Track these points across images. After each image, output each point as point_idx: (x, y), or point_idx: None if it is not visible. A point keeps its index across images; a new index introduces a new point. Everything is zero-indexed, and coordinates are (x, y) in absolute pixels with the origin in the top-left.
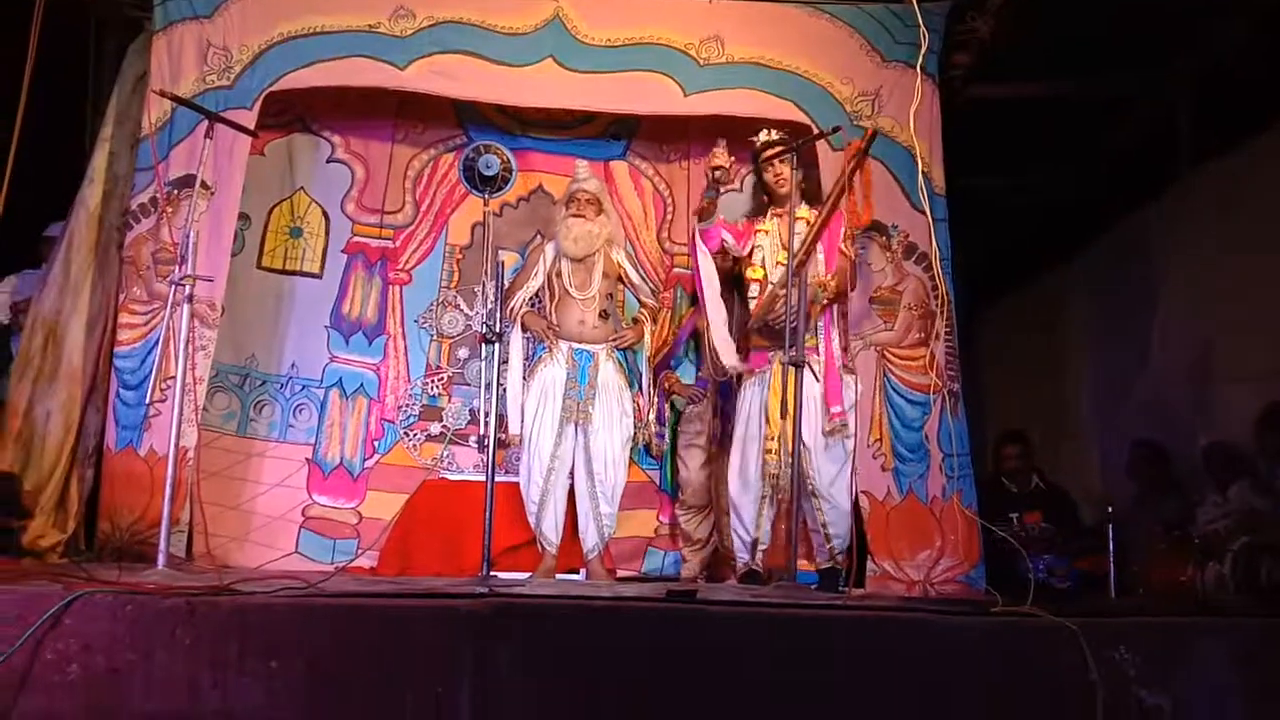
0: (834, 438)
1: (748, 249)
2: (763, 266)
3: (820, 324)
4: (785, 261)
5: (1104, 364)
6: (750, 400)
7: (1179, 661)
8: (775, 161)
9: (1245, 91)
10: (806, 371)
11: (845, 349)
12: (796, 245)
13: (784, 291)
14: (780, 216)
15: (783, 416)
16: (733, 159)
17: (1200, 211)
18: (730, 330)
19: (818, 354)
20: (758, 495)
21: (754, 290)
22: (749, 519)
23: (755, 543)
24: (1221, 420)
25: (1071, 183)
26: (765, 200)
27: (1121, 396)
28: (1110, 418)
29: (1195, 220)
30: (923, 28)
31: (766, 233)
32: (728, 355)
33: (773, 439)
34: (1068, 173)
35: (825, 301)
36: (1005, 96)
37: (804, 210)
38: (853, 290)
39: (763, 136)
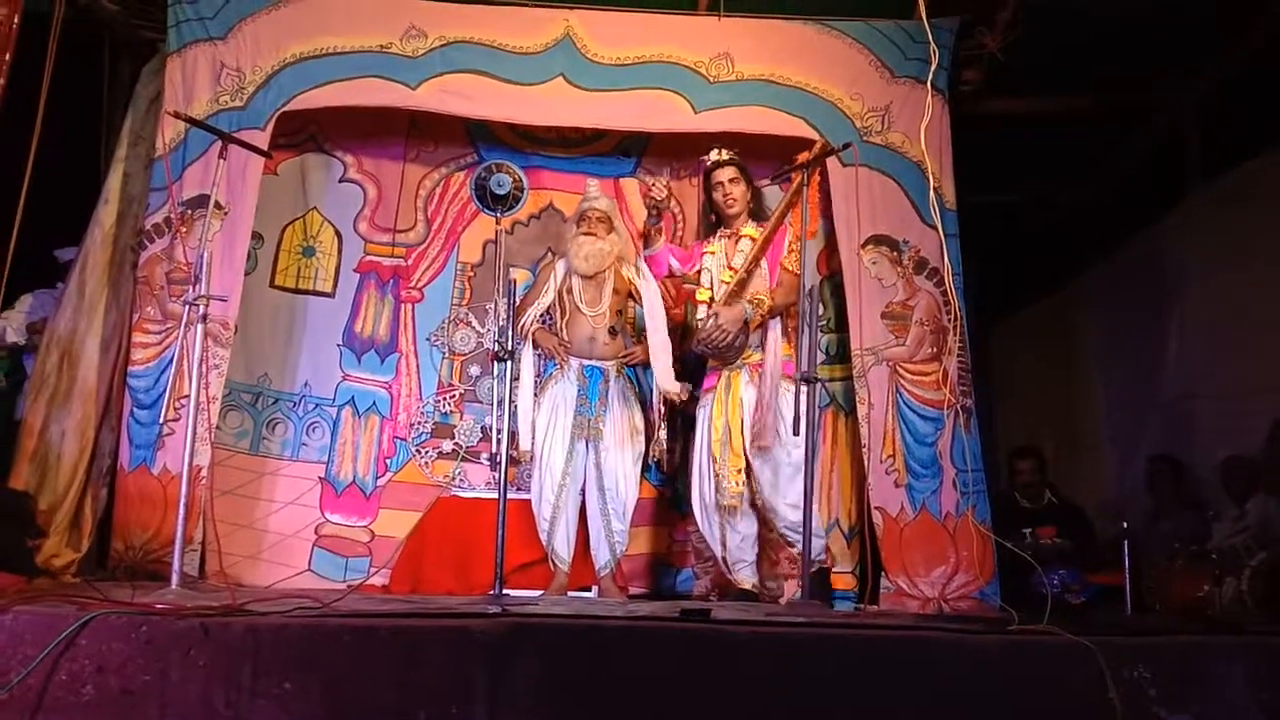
0: (765, 452)
1: (694, 269)
2: (710, 287)
3: (766, 338)
4: (728, 281)
5: (1117, 378)
6: (701, 420)
7: (1198, 680)
8: (725, 182)
9: (1255, 105)
10: (748, 387)
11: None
12: (741, 262)
13: (715, 311)
14: (728, 237)
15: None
16: (669, 191)
17: (1212, 224)
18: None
19: (762, 368)
20: (713, 510)
21: (701, 312)
22: (713, 538)
23: (725, 560)
24: (1239, 435)
25: (1083, 197)
26: (714, 220)
27: (1135, 411)
28: (1124, 432)
29: (1207, 233)
30: (933, 44)
31: (713, 253)
32: (666, 382)
33: (718, 458)
34: (1079, 187)
35: (760, 317)
36: (1015, 112)
37: (750, 229)
38: (794, 302)
39: (713, 156)
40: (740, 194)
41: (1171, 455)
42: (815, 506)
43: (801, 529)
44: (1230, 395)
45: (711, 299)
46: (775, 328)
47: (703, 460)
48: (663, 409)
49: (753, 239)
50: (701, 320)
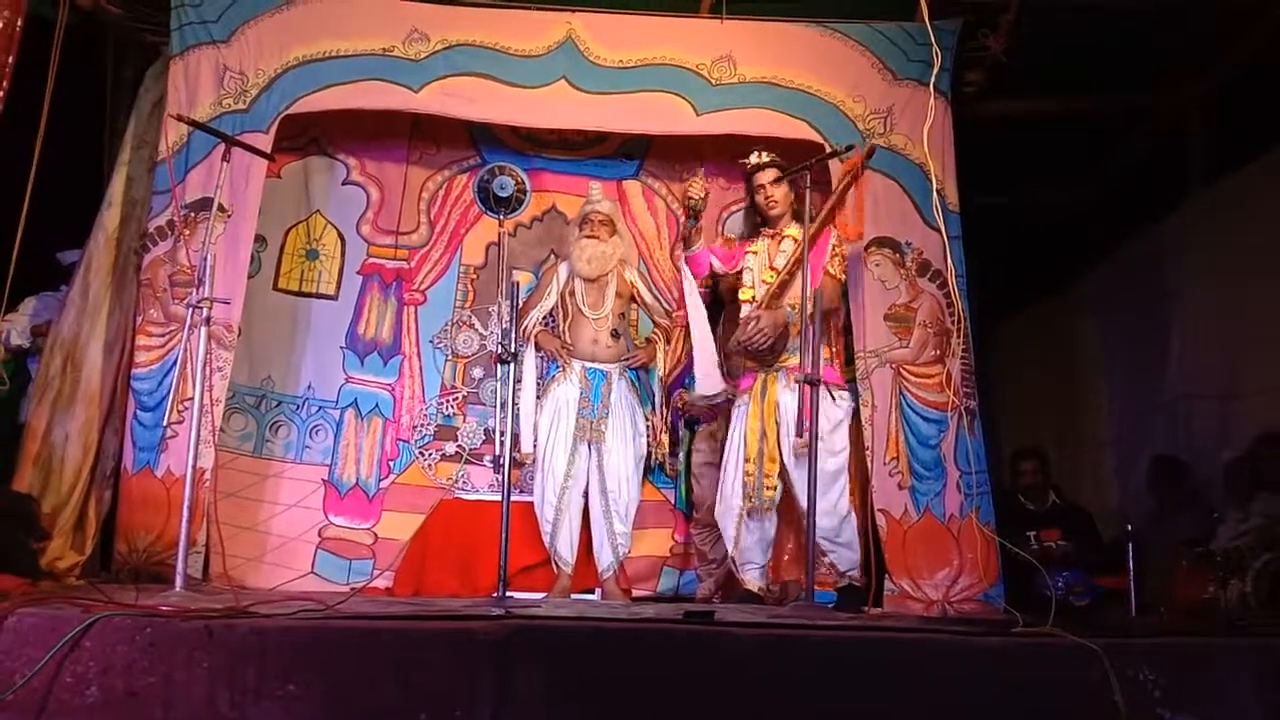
0: (804, 456)
1: (737, 269)
2: (751, 287)
3: (804, 343)
4: (770, 281)
5: (1120, 379)
6: (737, 420)
7: (1203, 682)
8: (766, 184)
9: (1256, 107)
10: (785, 390)
11: (840, 365)
12: (782, 264)
13: (758, 314)
14: (771, 237)
15: (797, 435)
16: (707, 189)
17: (1213, 225)
18: (720, 354)
19: (798, 372)
20: (736, 513)
21: (745, 311)
22: (729, 536)
23: (734, 559)
24: (1241, 435)
25: (1084, 198)
26: (758, 221)
27: (1138, 411)
28: (1127, 433)
29: (1209, 234)
30: (935, 45)
31: (755, 253)
32: (706, 386)
33: (750, 460)
34: (1081, 188)
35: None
36: (1017, 113)
37: (794, 229)
38: (835, 306)
39: (754, 159)
40: (782, 195)
41: (1174, 456)
42: (851, 514)
43: (837, 538)
44: (1232, 396)
45: (753, 299)
46: (811, 332)
47: (732, 459)
48: (665, 411)
49: (795, 240)
50: (743, 320)
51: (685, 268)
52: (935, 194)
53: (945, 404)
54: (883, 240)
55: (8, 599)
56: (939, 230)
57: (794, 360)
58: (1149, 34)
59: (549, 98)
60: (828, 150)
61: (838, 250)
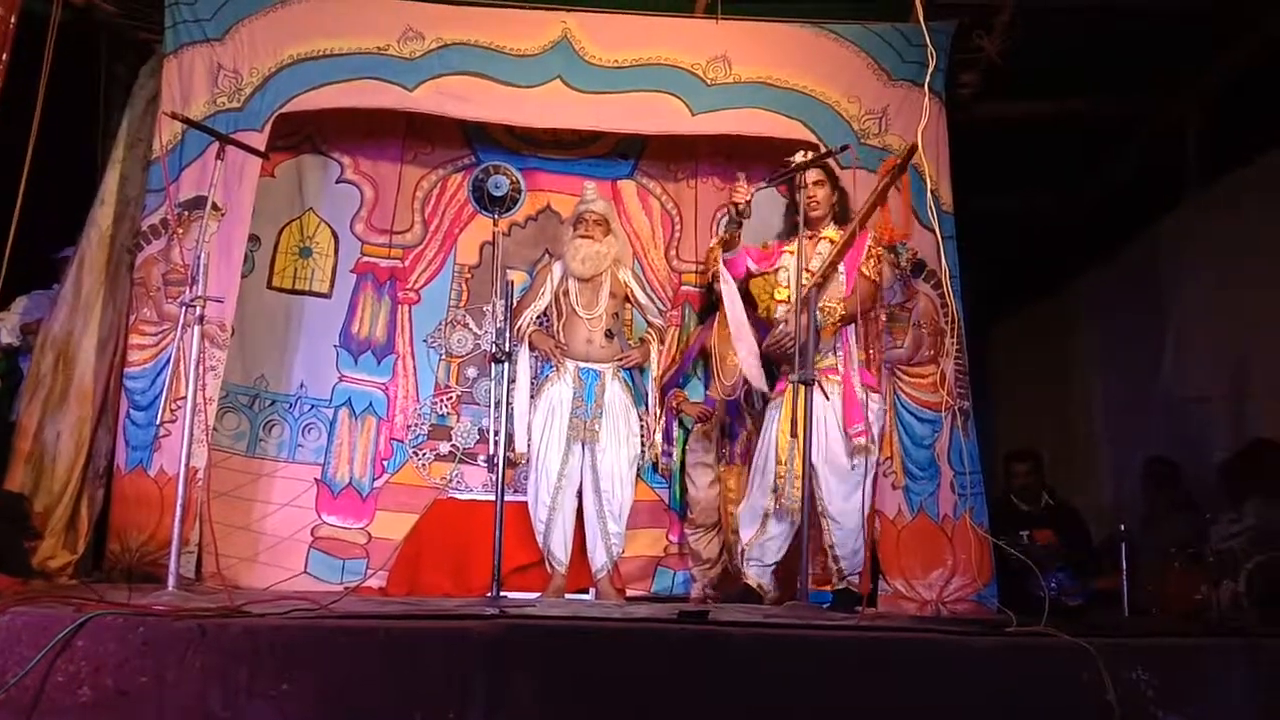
0: (857, 457)
1: (774, 268)
2: (787, 287)
3: (838, 344)
4: (805, 284)
5: (1115, 381)
6: (770, 421)
7: (1196, 682)
8: (809, 184)
9: (1252, 109)
10: (818, 392)
11: (875, 370)
12: (817, 265)
13: (786, 318)
14: (808, 238)
15: (792, 435)
16: (750, 195)
17: (1209, 227)
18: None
19: (836, 374)
20: (759, 511)
21: (780, 311)
22: (745, 532)
23: (743, 552)
24: (1235, 437)
25: (1080, 200)
26: (797, 221)
27: (1132, 413)
28: (1121, 434)
29: (1204, 236)
30: (930, 47)
31: (793, 254)
32: (758, 381)
33: (782, 461)
34: (1076, 190)
35: (834, 324)
36: (1012, 115)
37: (832, 231)
38: (870, 309)
39: (798, 157)
40: (824, 196)
41: (1168, 457)
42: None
43: (851, 548)
44: (1226, 397)
45: (788, 299)
46: (850, 335)
47: (762, 459)
48: (659, 411)
49: (832, 241)
50: (775, 322)
51: (724, 270)
52: (930, 194)
53: (939, 404)
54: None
55: (0, 598)
56: (933, 231)
57: (828, 362)
58: (1145, 37)
59: (544, 97)
60: (823, 150)
61: (874, 252)
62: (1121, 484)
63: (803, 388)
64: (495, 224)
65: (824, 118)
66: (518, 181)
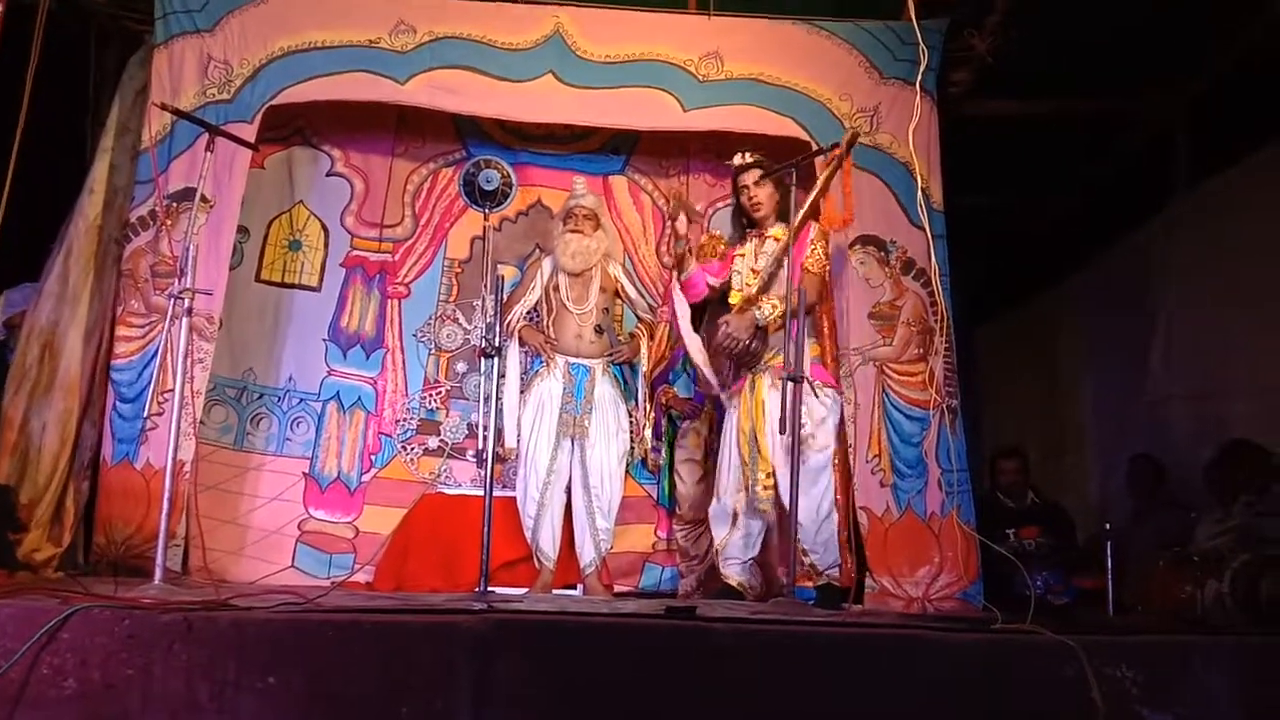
0: (804, 452)
1: (730, 276)
2: (740, 290)
3: (786, 340)
4: (752, 284)
5: (1101, 380)
6: (728, 420)
7: (1180, 680)
8: (750, 185)
9: (1242, 111)
10: (770, 389)
11: (831, 362)
12: (764, 264)
13: (726, 319)
14: (756, 239)
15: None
16: (692, 223)
17: (1197, 228)
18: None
19: (782, 370)
20: (727, 509)
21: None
22: (716, 531)
23: (719, 551)
24: (1221, 437)
25: (1069, 200)
26: (744, 223)
27: (1118, 412)
28: (1107, 433)
29: (1192, 237)
30: (922, 45)
31: (743, 256)
32: (713, 386)
33: (745, 459)
34: (1065, 190)
35: (778, 320)
36: (1003, 114)
37: (779, 229)
38: (816, 301)
39: (738, 159)
40: (766, 196)
41: (1153, 456)
42: (833, 514)
43: (816, 537)
44: (1212, 397)
45: (741, 301)
46: (800, 330)
47: (725, 457)
48: (648, 407)
49: (778, 239)
50: (715, 326)
51: (678, 293)
52: (920, 193)
53: (928, 402)
54: (867, 238)
55: None
56: (923, 229)
57: (779, 359)
58: (1136, 36)
59: (536, 92)
60: (814, 148)
61: (815, 244)
62: (1107, 483)
63: (791, 385)
64: (486, 218)
65: (816, 115)
66: (509, 176)
